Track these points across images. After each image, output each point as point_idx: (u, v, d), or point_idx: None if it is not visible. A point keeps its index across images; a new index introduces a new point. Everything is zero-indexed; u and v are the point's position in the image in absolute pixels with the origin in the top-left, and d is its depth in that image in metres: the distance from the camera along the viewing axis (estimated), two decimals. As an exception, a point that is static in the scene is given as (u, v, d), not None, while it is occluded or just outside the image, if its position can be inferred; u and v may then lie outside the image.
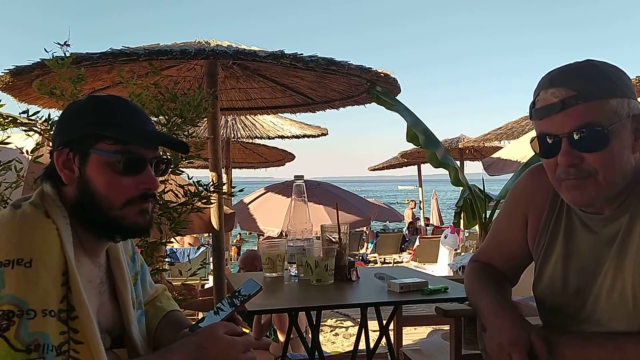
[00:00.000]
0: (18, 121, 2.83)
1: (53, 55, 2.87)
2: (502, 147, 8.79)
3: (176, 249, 7.86)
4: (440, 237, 9.08)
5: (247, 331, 1.52)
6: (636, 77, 5.90)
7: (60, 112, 2.83)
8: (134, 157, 1.17)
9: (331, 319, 6.65)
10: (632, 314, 1.18)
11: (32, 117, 2.74)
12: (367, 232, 14.10)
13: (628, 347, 1.16)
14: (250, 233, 13.88)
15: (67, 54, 2.91)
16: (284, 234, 7.75)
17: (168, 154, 2.71)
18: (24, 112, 2.78)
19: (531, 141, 1.25)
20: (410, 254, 11.67)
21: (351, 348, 2.67)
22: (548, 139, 1.19)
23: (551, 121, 1.17)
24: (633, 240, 1.19)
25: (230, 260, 10.07)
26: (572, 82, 1.15)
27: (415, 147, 4.82)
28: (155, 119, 2.92)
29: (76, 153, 1.17)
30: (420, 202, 16.24)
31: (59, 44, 2.87)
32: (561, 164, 1.18)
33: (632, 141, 1.17)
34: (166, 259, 3.19)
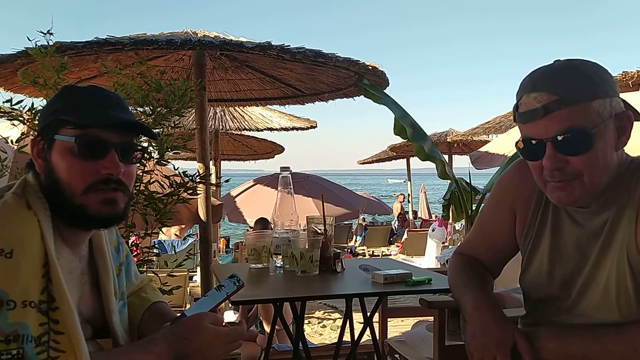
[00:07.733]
0: (1, 110, 2.79)
1: (36, 44, 2.83)
2: (489, 141, 8.84)
3: (163, 241, 7.83)
4: (428, 230, 9.12)
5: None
6: (623, 72, 5.95)
7: (45, 101, 2.80)
8: (94, 141, 1.13)
9: (319, 311, 6.66)
10: (614, 305, 1.20)
11: (15, 107, 2.70)
12: (364, 223, 14.09)
13: (607, 338, 1.18)
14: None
15: (51, 43, 2.87)
16: (270, 226, 7.73)
17: (153, 144, 2.69)
18: (7, 101, 2.74)
19: (516, 143, 1.25)
20: (398, 246, 11.73)
21: (337, 339, 2.67)
22: (533, 142, 1.19)
23: (535, 126, 1.17)
24: (618, 232, 1.21)
25: (219, 252, 10.02)
26: (554, 86, 1.14)
27: (404, 140, 4.84)
28: (140, 109, 2.90)
29: (45, 141, 1.16)
30: (409, 195, 16.31)
31: (42, 32, 2.82)
32: (546, 167, 1.18)
33: (616, 139, 1.18)
34: (153, 250, 3.17)
